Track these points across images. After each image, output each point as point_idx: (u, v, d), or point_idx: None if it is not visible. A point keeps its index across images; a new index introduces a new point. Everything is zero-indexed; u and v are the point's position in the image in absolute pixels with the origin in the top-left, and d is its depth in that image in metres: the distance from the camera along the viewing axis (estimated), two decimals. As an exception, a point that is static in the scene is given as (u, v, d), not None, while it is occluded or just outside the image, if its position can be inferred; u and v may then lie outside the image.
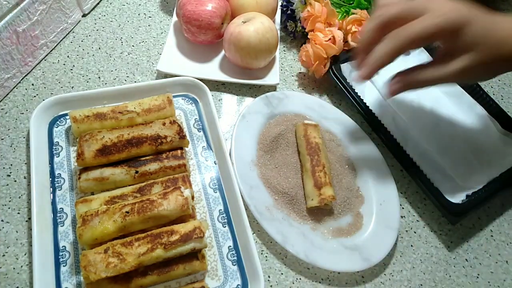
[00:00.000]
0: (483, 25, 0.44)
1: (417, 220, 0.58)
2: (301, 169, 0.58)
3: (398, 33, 0.45)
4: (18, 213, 0.51)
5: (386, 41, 0.46)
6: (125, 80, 0.65)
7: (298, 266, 0.52)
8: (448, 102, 0.66)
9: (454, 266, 0.55)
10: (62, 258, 0.48)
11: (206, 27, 0.63)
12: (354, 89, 0.64)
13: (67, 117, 0.57)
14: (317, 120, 0.62)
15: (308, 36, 0.66)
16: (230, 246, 0.51)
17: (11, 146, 0.56)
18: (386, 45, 0.46)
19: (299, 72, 0.70)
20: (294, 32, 0.72)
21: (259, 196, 0.54)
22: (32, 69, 0.64)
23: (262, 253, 0.52)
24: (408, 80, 0.49)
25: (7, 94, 0.61)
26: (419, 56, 0.71)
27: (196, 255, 0.47)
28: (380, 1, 0.49)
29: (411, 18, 0.45)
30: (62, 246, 0.48)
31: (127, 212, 0.46)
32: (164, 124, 0.55)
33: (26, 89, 0.62)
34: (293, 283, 0.51)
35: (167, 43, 0.67)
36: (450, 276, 0.54)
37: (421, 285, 0.53)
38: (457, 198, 0.55)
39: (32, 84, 0.62)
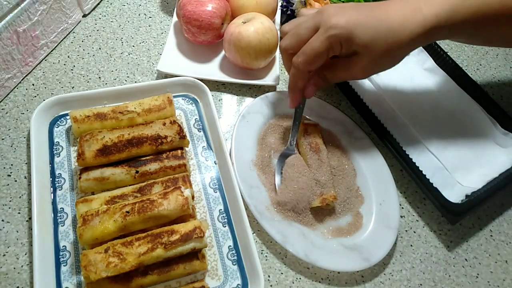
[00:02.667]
0: (372, 25, 0.47)
1: (417, 220, 0.58)
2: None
3: (294, 60, 0.51)
4: (19, 213, 0.51)
5: (291, 70, 0.53)
6: (126, 80, 0.65)
7: (298, 266, 0.52)
8: (448, 102, 0.66)
9: (454, 266, 0.55)
10: (63, 257, 0.48)
11: (206, 27, 0.63)
12: (354, 89, 0.64)
13: (68, 117, 0.57)
14: (317, 120, 0.62)
15: (308, 36, 0.66)
16: (230, 245, 0.51)
17: (11, 146, 0.56)
18: (291, 73, 0.53)
19: (299, 72, 0.70)
20: (294, 32, 0.72)
21: (259, 196, 0.54)
22: (32, 69, 0.64)
23: (262, 253, 0.52)
24: (320, 82, 0.55)
25: (8, 94, 0.61)
26: (419, 56, 0.71)
27: (196, 254, 0.47)
28: (281, 30, 0.55)
29: (307, 38, 0.50)
30: (63, 246, 0.49)
31: (127, 212, 0.47)
32: (164, 124, 0.55)
33: (26, 89, 0.62)
34: (293, 282, 0.51)
35: (167, 43, 0.67)
36: (449, 275, 0.54)
37: (421, 284, 0.53)
38: (457, 198, 0.55)
39: (33, 84, 0.62)
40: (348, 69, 0.52)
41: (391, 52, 0.49)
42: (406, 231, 0.57)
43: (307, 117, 0.63)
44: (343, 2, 0.70)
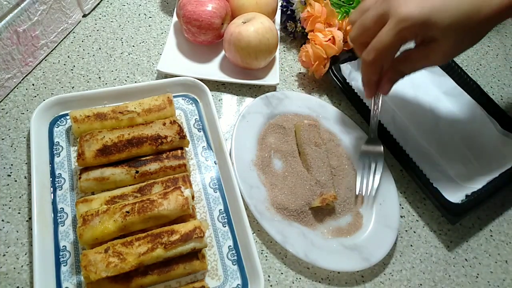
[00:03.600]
0: (451, 7, 0.43)
1: (417, 220, 0.58)
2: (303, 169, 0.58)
3: (364, 57, 0.48)
4: (19, 213, 0.51)
5: (361, 65, 0.50)
6: (126, 80, 0.65)
7: (298, 266, 0.52)
8: (448, 102, 0.66)
9: (454, 266, 0.55)
10: (63, 257, 0.48)
11: (206, 27, 0.63)
12: (354, 89, 0.64)
13: (68, 117, 0.57)
14: (317, 120, 0.62)
15: (308, 37, 0.66)
16: (230, 245, 0.51)
17: (11, 146, 0.56)
18: (363, 69, 0.51)
19: (299, 72, 0.70)
20: (294, 33, 0.72)
21: (259, 196, 0.54)
22: (32, 69, 0.64)
23: (262, 253, 0.52)
24: (396, 76, 0.52)
25: (8, 94, 0.61)
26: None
27: (196, 254, 0.47)
28: (349, 19, 0.52)
29: (378, 26, 0.46)
30: (63, 246, 0.49)
31: (127, 212, 0.47)
32: (164, 124, 0.55)
33: (26, 89, 0.62)
34: (293, 282, 0.51)
35: (167, 43, 0.67)
36: (449, 275, 0.54)
37: (421, 284, 0.53)
38: (457, 198, 0.55)
39: (33, 84, 0.62)
40: (427, 57, 0.48)
41: (475, 30, 0.46)
42: (406, 231, 0.57)
43: (307, 116, 0.63)
44: (343, 2, 0.70)
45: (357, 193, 0.56)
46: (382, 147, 0.58)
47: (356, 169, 0.58)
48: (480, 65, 0.78)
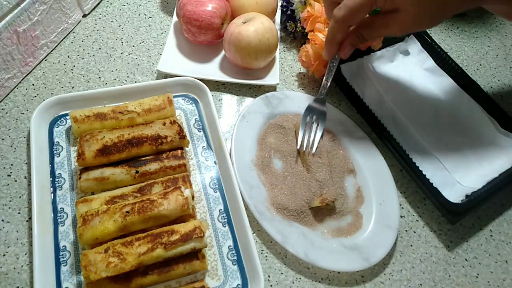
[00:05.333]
0: None
1: (417, 220, 0.58)
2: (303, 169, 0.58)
3: (335, 13, 0.49)
4: (19, 213, 0.51)
5: (330, 22, 0.51)
6: (126, 80, 0.65)
7: (298, 266, 0.52)
8: (448, 102, 0.66)
9: (454, 266, 0.55)
10: (63, 257, 0.48)
11: (206, 27, 0.63)
12: (354, 89, 0.64)
13: (68, 117, 0.57)
14: (317, 120, 0.62)
15: (308, 37, 0.66)
16: (230, 245, 0.51)
17: (11, 146, 0.56)
18: (330, 26, 0.52)
19: (299, 72, 0.70)
20: (294, 33, 0.72)
21: (259, 196, 0.54)
22: (32, 69, 0.64)
23: (262, 253, 0.52)
24: (356, 40, 0.54)
25: (8, 94, 0.61)
26: (419, 56, 0.71)
27: (196, 254, 0.47)
28: None
29: None
30: (63, 246, 0.49)
31: (127, 212, 0.47)
32: (164, 124, 0.55)
33: (26, 89, 0.62)
34: (293, 282, 0.51)
35: (167, 43, 0.67)
36: (449, 275, 0.54)
37: (421, 284, 0.53)
38: (457, 198, 0.55)
39: (33, 84, 0.62)
40: (387, 26, 0.50)
41: (435, 11, 0.48)
42: (406, 231, 0.57)
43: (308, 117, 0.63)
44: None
45: (298, 147, 0.58)
46: (325, 108, 0.61)
47: (300, 124, 0.60)
48: (480, 65, 0.78)
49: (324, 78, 0.60)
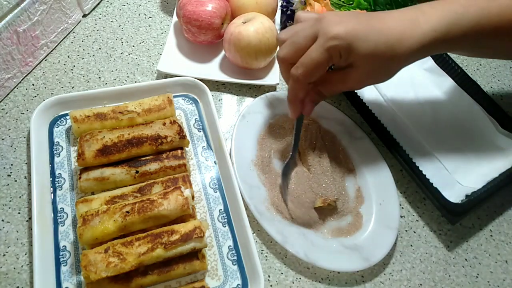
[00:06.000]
0: (371, 38, 0.46)
1: (417, 220, 0.58)
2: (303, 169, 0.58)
3: (293, 72, 0.49)
4: (19, 213, 0.51)
5: (290, 82, 0.51)
6: (126, 80, 0.65)
7: (298, 266, 0.52)
8: (448, 102, 0.66)
9: (454, 266, 0.55)
10: (63, 257, 0.48)
11: (206, 27, 0.63)
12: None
13: (68, 117, 0.57)
14: (317, 120, 0.62)
15: (308, 36, 0.66)
16: (230, 245, 0.51)
17: (11, 146, 0.56)
18: (290, 85, 0.51)
19: (299, 72, 0.70)
20: (294, 32, 0.72)
21: (259, 196, 0.54)
22: (32, 69, 0.64)
23: (262, 253, 0.52)
24: (316, 97, 0.54)
25: (8, 94, 0.61)
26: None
27: (196, 254, 0.47)
28: (278, 38, 0.53)
29: (306, 47, 0.48)
30: (63, 246, 0.49)
31: (127, 212, 0.47)
32: (164, 124, 0.55)
33: (26, 89, 0.62)
34: (293, 282, 0.51)
35: (167, 43, 0.67)
36: (449, 275, 0.54)
37: (421, 284, 0.53)
38: (457, 198, 0.55)
39: (33, 84, 0.62)
40: (344, 81, 0.51)
41: (388, 66, 0.49)
42: (406, 231, 0.57)
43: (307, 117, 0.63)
44: (343, 2, 0.70)
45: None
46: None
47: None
48: (480, 65, 0.77)
49: (293, 137, 0.56)
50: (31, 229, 0.47)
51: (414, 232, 0.57)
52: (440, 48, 0.50)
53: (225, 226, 0.52)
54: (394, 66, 0.49)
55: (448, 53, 0.70)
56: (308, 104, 0.53)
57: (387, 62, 0.48)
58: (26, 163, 0.55)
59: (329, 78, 0.51)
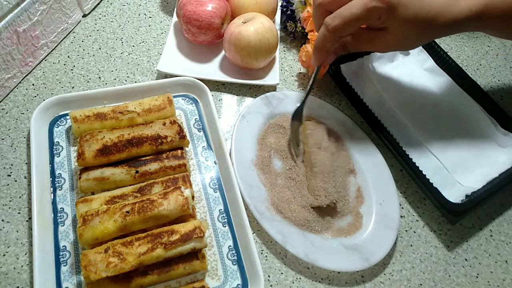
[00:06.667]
0: (413, 7, 0.47)
1: (417, 220, 0.58)
2: (305, 167, 0.58)
3: (328, 22, 0.49)
4: (19, 213, 0.51)
5: (321, 30, 0.50)
6: (126, 80, 0.65)
7: (298, 266, 0.52)
8: (448, 102, 0.66)
9: (454, 266, 0.55)
10: (63, 257, 0.48)
11: (206, 27, 0.63)
12: (354, 89, 0.64)
13: (68, 117, 0.57)
14: (317, 118, 0.62)
15: (308, 37, 0.66)
16: (230, 245, 0.51)
17: (11, 146, 0.56)
18: (321, 33, 0.50)
19: (299, 72, 0.70)
20: (294, 33, 0.72)
21: (259, 196, 0.54)
22: (32, 69, 0.64)
23: (262, 253, 0.52)
24: (341, 50, 0.54)
25: (8, 94, 0.61)
26: (419, 56, 0.71)
27: (196, 254, 0.47)
28: None
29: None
30: (63, 246, 0.49)
31: (127, 212, 0.47)
32: (164, 124, 0.55)
33: (26, 89, 0.62)
34: (293, 282, 0.51)
35: (167, 43, 0.67)
36: (449, 275, 0.54)
37: (421, 284, 0.53)
38: (457, 198, 0.55)
39: (33, 84, 0.62)
40: (373, 42, 0.51)
41: (420, 36, 0.50)
42: (406, 231, 0.57)
43: (312, 116, 0.63)
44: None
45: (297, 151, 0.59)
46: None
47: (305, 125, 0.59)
48: (480, 65, 0.78)
49: (309, 84, 0.58)
50: (31, 229, 0.47)
51: (414, 232, 0.57)
52: (473, 27, 0.52)
53: (225, 226, 0.52)
54: (426, 38, 0.51)
55: (449, 54, 0.70)
56: (331, 54, 0.54)
57: (421, 32, 0.49)
58: (26, 163, 0.55)
59: (359, 35, 0.52)
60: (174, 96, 0.61)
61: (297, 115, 0.60)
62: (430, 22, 0.48)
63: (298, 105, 0.59)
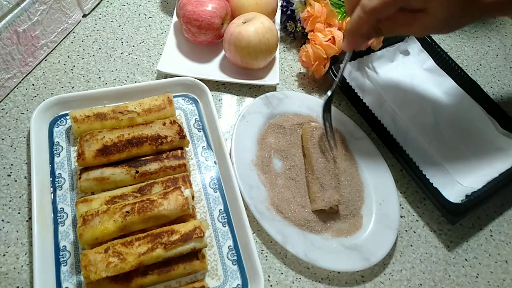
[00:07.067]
0: None
1: (417, 220, 0.58)
2: (306, 171, 0.58)
3: (365, 4, 0.46)
4: (19, 213, 0.51)
5: (356, 11, 0.48)
6: (126, 80, 0.65)
7: (298, 266, 0.52)
8: (448, 102, 0.66)
9: (454, 266, 0.55)
10: (63, 257, 0.48)
11: (206, 27, 0.63)
12: (354, 89, 0.64)
13: (68, 117, 0.57)
14: (317, 120, 0.62)
15: (308, 37, 0.66)
16: (230, 245, 0.51)
17: (11, 146, 0.56)
18: (357, 16, 0.48)
19: (299, 72, 0.70)
20: (294, 32, 0.72)
21: (259, 196, 0.54)
22: (32, 69, 0.64)
23: (262, 253, 0.52)
24: (374, 33, 0.51)
25: (8, 94, 0.61)
26: (419, 56, 0.71)
27: (196, 254, 0.47)
28: None
29: None
30: (63, 246, 0.49)
31: (127, 212, 0.47)
32: (164, 124, 0.55)
33: (26, 89, 0.62)
34: (293, 282, 0.51)
35: (167, 43, 0.67)
36: (449, 275, 0.54)
37: (421, 284, 0.53)
38: (457, 198, 0.55)
39: (33, 84, 0.62)
40: (410, 24, 0.48)
41: (460, 18, 0.48)
42: (406, 231, 0.57)
43: (313, 118, 0.63)
44: (343, 2, 0.70)
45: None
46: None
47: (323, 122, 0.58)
48: (480, 65, 0.78)
49: (341, 69, 0.56)
50: (31, 229, 0.47)
51: (414, 232, 0.57)
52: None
53: (225, 226, 0.52)
54: (467, 19, 0.48)
55: (449, 53, 0.70)
56: (365, 38, 0.51)
57: (463, 13, 0.47)
58: (26, 163, 0.55)
59: (396, 17, 0.49)
60: (174, 96, 0.61)
61: (327, 106, 0.57)
62: (472, 5, 0.45)
63: (329, 95, 0.57)
